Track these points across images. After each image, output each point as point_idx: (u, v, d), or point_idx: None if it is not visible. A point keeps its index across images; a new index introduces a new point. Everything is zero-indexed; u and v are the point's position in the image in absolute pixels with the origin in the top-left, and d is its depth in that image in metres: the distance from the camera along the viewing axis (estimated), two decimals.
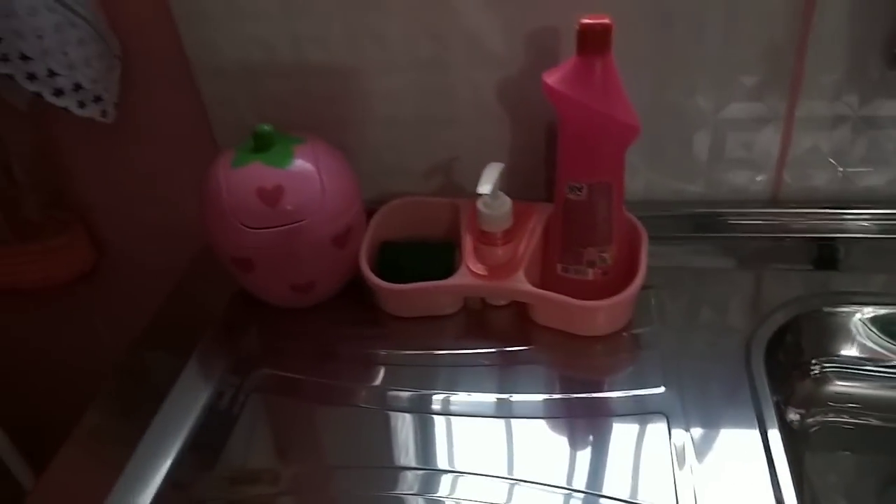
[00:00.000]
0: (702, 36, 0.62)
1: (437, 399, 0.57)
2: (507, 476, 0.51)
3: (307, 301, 0.66)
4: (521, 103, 0.68)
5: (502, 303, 0.64)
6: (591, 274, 0.61)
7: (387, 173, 0.74)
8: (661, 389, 0.55)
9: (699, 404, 0.54)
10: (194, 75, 0.71)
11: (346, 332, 0.65)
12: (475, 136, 0.71)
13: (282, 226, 0.59)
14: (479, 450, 0.53)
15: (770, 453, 0.50)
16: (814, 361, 0.62)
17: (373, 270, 0.64)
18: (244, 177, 0.60)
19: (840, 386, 0.61)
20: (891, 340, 0.61)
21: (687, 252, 0.69)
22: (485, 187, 0.58)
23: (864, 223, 0.68)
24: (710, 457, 0.50)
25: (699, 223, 0.70)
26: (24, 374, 1.06)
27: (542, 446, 0.53)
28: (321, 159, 0.62)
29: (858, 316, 0.61)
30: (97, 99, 0.67)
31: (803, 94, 0.64)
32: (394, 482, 0.51)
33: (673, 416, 0.53)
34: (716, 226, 0.70)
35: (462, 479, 0.51)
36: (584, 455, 0.52)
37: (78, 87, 0.65)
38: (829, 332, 0.61)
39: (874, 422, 0.60)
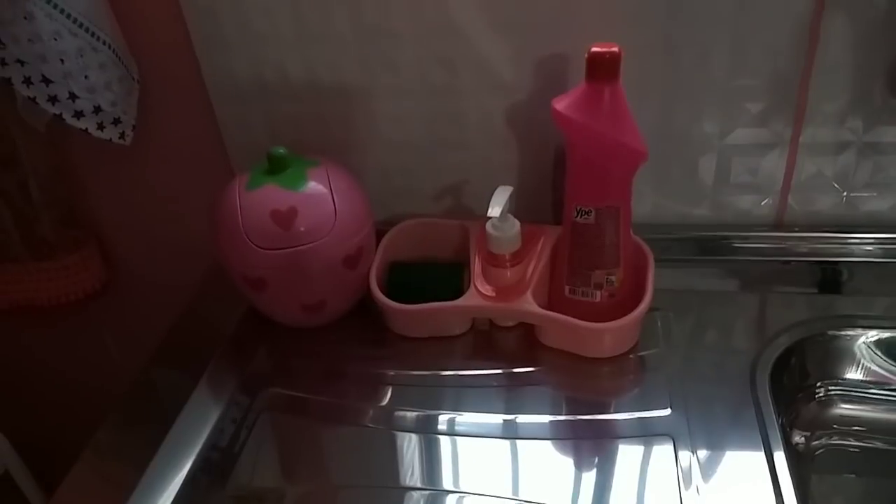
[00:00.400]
0: (708, 64, 0.63)
1: (444, 419, 0.58)
2: (512, 497, 0.51)
3: (317, 321, 0.67)
4: (530, 128, 0.69)
5: (510, 324, 0.65)
6: (598, 296, 0.62)
7: (397, 195, 0.75)
8: (668, 411, 0.56)
9: (705, 426, 0.54)
10: (210, 98, 0.73)
11: (355, 351, 0.66)
12: (484, 159, 0.72)
13: (294, 247, 0.60)
14: (485, 470, 0.53)
15: (776, 476, 0.50)
16: (819, 384, 0.62)
17: (382, 291, 0.65)
18: (259, 199, 0.61)
19: (845, 409, 0.62)
20: (895, 364, 0.62)
21: (693, 275, 0.69)
22: (494, 210, 0.59)
23: (868, 247, 0.69)
24: (716, 479, 0.50)
25: (705, 246, 0.71)
26: (35, 391, 1.06)
27: (548, 468, 0.53)
28: (334, 182, 0.63)
29: (863, 339, 0.61)
30: (116, 121, 0.69)
31: (807, 121, 0.65)
32: (399, 502, 0.52)
33: (679, 438, 0.53)
34: (721, 249, 0.71)
35: (467, 500, 0.51)
36: (590, 476, 0.52)
37: (98, 110, 0.67)
38: (833, 356, 0.62)
39: (880, 445, 0.61)
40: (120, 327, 0.96)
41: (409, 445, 0.56)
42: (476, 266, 0.65)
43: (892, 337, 0.61)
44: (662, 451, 0.53)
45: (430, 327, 0.65)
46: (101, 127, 0.68)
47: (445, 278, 0.68)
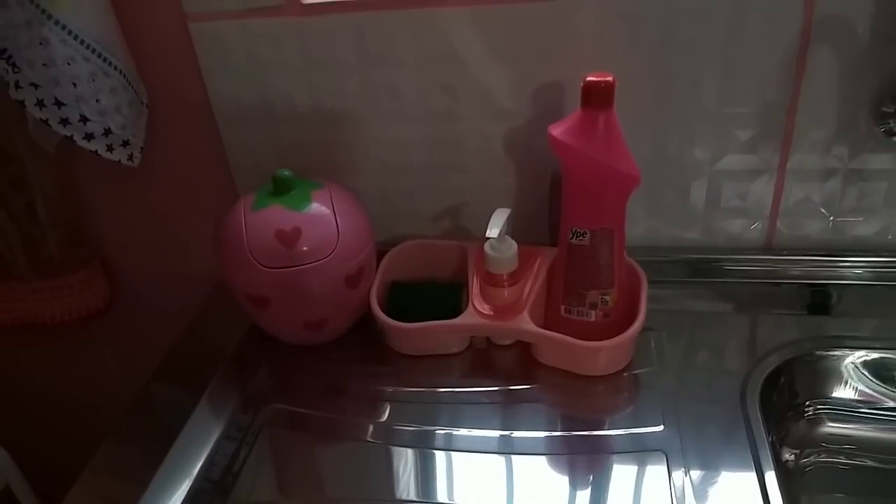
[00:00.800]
0: (699, 93, 0.65)
1: (441, 435, 0.59)
2: None
3: (319, 339, 0.69)
4: (527, 153, 0.71)
5: (507, 342, 0.67)
6: (593, 315, 0.63)
7: (397, 217, 0.77)
8: (660, 428, 0.57)
9: (697, 443, 0.55)
10: (217, 122, 0.75)
11: (355, 369, 0.67)
12: (482, 183, 0.73)
13: (298, 266, 0.61)
14: (480, 485, 0.54)
15: (766, 492, 0.51)
16: (808, 403, 0.63)
17: (382, 310, 0.66)
18: (264, 219, 0.63)
19: (833, 427, 0.63)
20: (882, 384, 0.63)
21: (685, 296, 0.71)
22: (493, 231, 0.61)
23: (856, 270, 0.70)
24: (709, 494, 0.51)
25: (696, 269, 0.73)
26: (36, 409, 1.06)
27: (543, 482, 0.54)
28: (337, 203, 0.65)
29: (850, 360, 0.63)
30: (125, 143, 0.71)
31: (795, 148, 0.67)
32: None
33: (671, 454, 0.54)
34: (712, 271, 0.72)
35: None
36: (585, 490, 0.53)
37: (108, 132, 0.69)
38: (821, 375, 0.63)
39: (869, 462, 0.62)
40: (121, 346, 0.97)
41: (406, 460, 0.57)
42: (474, 286, 0.67)
43: (878, 358, 0.63)
44: (655, 466, 0.54)
45: (429, 345, 0.66)
46: (110, 149, 0.70)
47: (444, 298, 0.69)
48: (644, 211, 0.72)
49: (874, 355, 0.63)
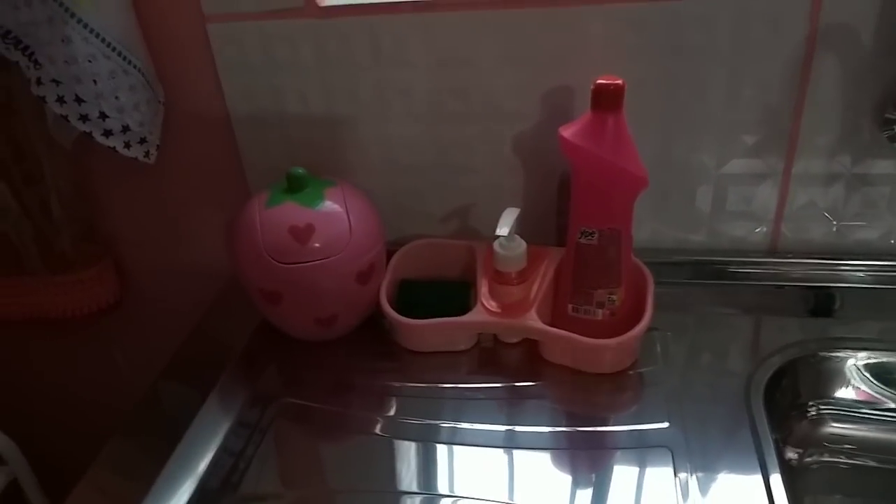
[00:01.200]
0: (706, 98, 0.66)
1: (446, 429, 0.60)
2: (508, 501, 0.53)
3: (329, 334, 0.69)
4: (536, 154, 0.72)
5: (514, 340, 0.67)
6: (600, 314, 0.64)
7: (407, 217, 0.78)
8: (665, 425, 0.57)
9: (702, 439, 0.56)
10: (231, 121, 0.76)
11: (364, 365, 0.68)
12: (491, 183, 0.75)
13: (310, 261, 0.63)
14: (484, 478, 0.55)
15: (770, 489, 0.51)
16: (811, 403, 0.64)
17: (392, 307, 0.67)
18: (278, 215, 0.64)
19: (836, 427, 0.64)
20: (884, 387, 0.63)
21: (690, 297, 0.72)
22: (503, 229, 0.62)
23: (860, 273, 0.71)
24: (713, 490, 0.52)
25: (701, 271, 0.73)
26: (45, 403, 1.07)
27: (547, 476, 0.55)
28: (349, 201, 0.66)
29: (853, 361, 0.63)
30: (142, 141, 0.72)
31: (799, 153, 0.68)
32: None
33: (676, 450, 0.55)
34: (717, 273, 0.73)
35: (462, 503, 0.53)
36: (588, 484, 0.54)
37: (126, 129, 0.70)
38: (824, 376, 0.64)
39: (871, 463, 0.62)
40: (129, 342, 0.98)
41: (410, 454, 0.58)
42: (483, 284, 0.68)
43: (881, 360, 0.63)
44: (660, 462, 0.55)
45: (437, 342, 0.67)
46: (127, 146, 0.71)
47: (453, 296, 0.70)
48: (650, 213, 0.73)
49: (876, 358, 0.63)
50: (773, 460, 0.54)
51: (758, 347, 0.65)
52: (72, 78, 0.66)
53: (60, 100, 0.67)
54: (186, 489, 0.56)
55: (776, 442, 0.56)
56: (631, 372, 0.63)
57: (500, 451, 0.58)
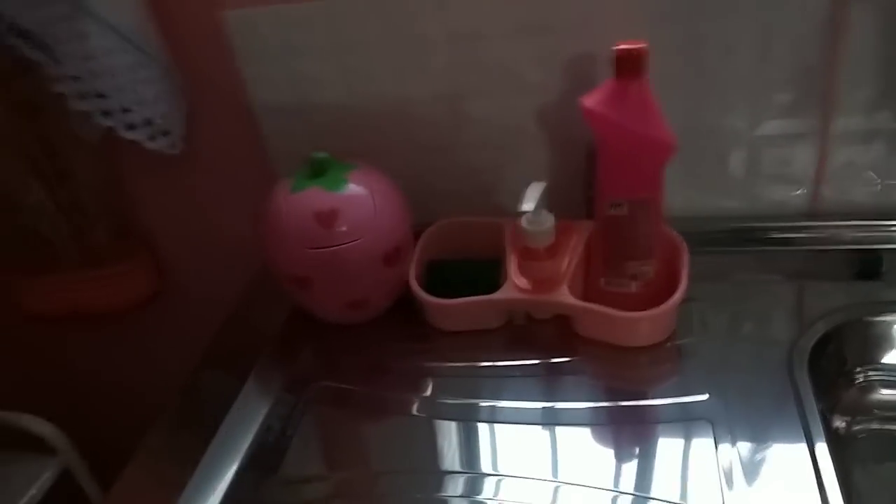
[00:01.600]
0: (734, 57, 0.64)
1: (484, 408, 0.59)
2: (552, 479, 0.52)
3: (360, 317, 0.69)
4: (560, 126, 0.71)
5: (546, 316, 0.66)
6: (633, 286, 0.63)
7: (432, 196, 0.77)
8: (706, 396, 0.56)
9: (744, 411, 0.54)
10: (253, 109, 0.76)
11: (397, 346, 0.68)
12: (516, 158, 0.73)
13: (337, 245, 0.62)
14: (525, 455, 0.55)
15: (816, 460, 0.50)
16: (858, 370, 0.62)
17: (421, 288, 0.67)
18: (302, 201, 0.64)
19: (886, 394, 0.61)
20: None
21: (728, 265, 0.70)
22: (528, 205, 0.60)
23: None
24: (756, 462, 0.51)
25: (739, 237, 0.71)
26: (84, 396, 1.10)
27: (588, 452, 0.54)
28: (373, 183, 0.65)
29: None
30: (166, 133, 0.72)
31: (837, 111, 0.65)
32: (439, 485, 0.53)
33: (717, 423, 0.54)
34: (756, 239, 0.71)
35: (506, 482, 0.53)
36: (631, 459, 0.53)
37: (149, 122, 0.70)
38: (871, 341, 0.62)
39: None
40: (165, 333, 0.99)
41: (451, 433, 0.58)
42: (512, 261, 0.67)
43: None
44: (702, 434, 0.54)
45: (469, 321, 0.67)
46: (152, 138, 0.72)
47: (482, 275, 0.69)
48: (682, 181, 0.71)
49: None
50: (818, 429, 0.52)
51: (801, 314, 0.63)
52: (91, 73, 0.66)
53: (82, 96, 0.67)
54: (230, 471, 0.57)
55: (822, 411, 0.54)
56: (668, 344, 0.62)
57: (541, 428, 0.57)
